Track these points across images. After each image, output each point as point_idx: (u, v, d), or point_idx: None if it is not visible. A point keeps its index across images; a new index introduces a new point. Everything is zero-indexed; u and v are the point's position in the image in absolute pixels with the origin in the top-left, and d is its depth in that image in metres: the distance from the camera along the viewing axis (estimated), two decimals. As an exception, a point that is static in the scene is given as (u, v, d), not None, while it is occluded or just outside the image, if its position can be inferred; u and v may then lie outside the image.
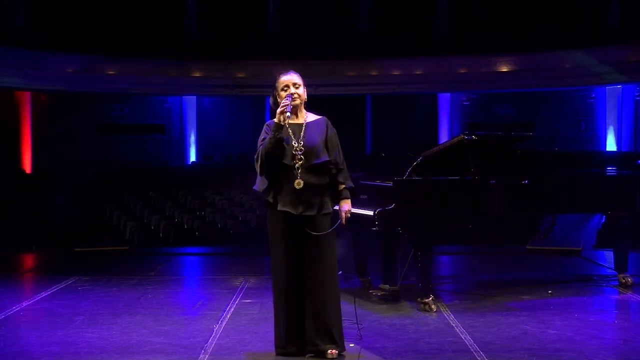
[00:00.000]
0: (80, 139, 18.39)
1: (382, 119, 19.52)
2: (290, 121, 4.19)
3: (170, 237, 12.35)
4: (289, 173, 4.14)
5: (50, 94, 18.13)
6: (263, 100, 19.40)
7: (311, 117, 4.32)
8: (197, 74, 17.69)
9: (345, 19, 17.87)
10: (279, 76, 4.26)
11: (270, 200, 4.22)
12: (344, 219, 4.28)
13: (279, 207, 4.16)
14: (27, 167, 17.44)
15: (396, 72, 17.57)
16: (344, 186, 4.29)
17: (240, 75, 17.52)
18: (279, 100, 4.22)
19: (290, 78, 4.23)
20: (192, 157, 19.20)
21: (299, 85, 4.24)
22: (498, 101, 18.95)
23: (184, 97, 19.04)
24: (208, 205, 14.28)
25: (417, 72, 17.54)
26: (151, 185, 15.38)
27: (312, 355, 4.20)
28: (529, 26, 16.64)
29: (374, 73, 17.66)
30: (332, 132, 4.28)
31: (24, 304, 5.80)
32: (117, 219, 13.55)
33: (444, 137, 18.45)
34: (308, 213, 4.14)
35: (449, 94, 18.76)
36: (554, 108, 18.55)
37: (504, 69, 17.13)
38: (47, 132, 18.07)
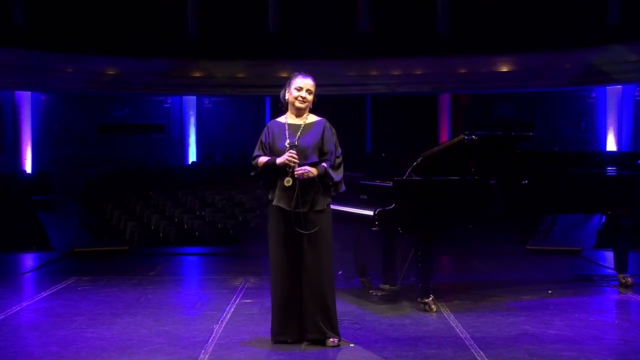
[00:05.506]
0: (80, 139, 18.38)
1: (382, 119, 19.50)
2: (290, 121, 4.44)
3: (170, 237, 12.33)
4: (282, 171, 4.32)
5: (50, 94, 18.13)
6: (263, 100, 19.41)
7: (311, 118, 4.48)
8: (197, 74, 17.69)
9: (345, 18, 17.86)
10: (297, 75, 4.44)
11: (269, 196, 4.44)
12: (298, 170, 4.26)
13: (274, 202, 4.38)
14: (27, 167, 17.45)
15: (396, 72, 17.57)
16: (323, 164, 4.35)
17: (240, 75, 17.51)
18: (287, 96, 4.43)
19: (306, 83, 4.42)
20: (192, 157, 19.19)
21: (312, 92, 4.44)
22: (498, 101, 18.94)
23: (184, 97, 19.03)
24: (208, 205, 14.26)
25: (417, 72, 17.55)
26: (151, 185, 15.35)
27: (310, 343, 4.37)
28: (529, 26, 16.63)
29: (374, 73, 17.66)
30: (329, 133, 4.42)
31: (24, 304, 5.80)
32: (117, 219, 13.53)
33: (444, 137, 18.44)
34: (300, 209, 4.30)
35: (448, 94, 18.75)
36: (554, 108, 18.54)
37: (504, 69, 17.13)
38: (47, 132, 18.07)
